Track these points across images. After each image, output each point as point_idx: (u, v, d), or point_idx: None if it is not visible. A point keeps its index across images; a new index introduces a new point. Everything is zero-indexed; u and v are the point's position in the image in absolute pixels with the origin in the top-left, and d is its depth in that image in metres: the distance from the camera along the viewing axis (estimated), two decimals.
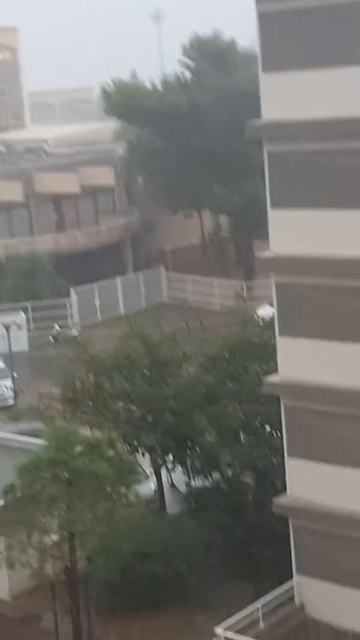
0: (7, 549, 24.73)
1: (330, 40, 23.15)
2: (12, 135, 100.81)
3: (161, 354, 31.89)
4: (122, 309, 61.06)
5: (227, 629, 25.32)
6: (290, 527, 26.68)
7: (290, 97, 23.96)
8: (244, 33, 55.97)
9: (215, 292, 62.49)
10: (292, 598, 26.69)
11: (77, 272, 61.42)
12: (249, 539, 28.59)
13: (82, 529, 24.79)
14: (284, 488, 26.57)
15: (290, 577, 26.76)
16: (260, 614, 25.99)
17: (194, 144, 63.00)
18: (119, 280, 62.91)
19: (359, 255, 23.63)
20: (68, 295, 60.13)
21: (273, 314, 26.72)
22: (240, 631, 25.28)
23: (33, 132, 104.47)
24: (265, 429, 30.59)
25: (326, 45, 23.20)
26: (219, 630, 25.32)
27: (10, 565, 24.86)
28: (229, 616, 25.74)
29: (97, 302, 61.35)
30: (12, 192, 63.75)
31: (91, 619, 26.38)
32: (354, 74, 22.86)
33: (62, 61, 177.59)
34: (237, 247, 68.61)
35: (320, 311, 24.72)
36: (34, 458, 24.65)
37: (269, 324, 32.25)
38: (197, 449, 30.53)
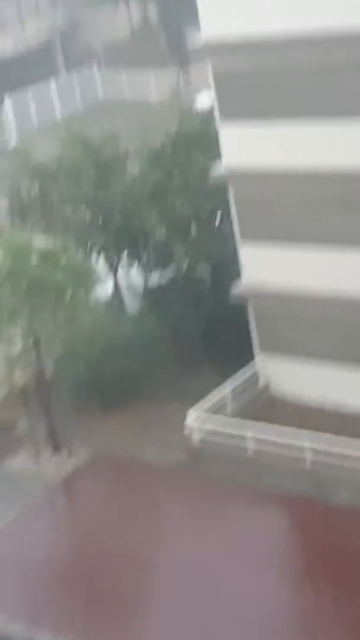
0: None
1: None
2: None
3: (104, 154, 31.61)
4: (59, 113, 59.77)
5: (196, 413, 26.35)
6: (250, 311, 27.43)
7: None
8: None
9: (151, 84, 61.17)
10: (256, 380, 27.73)
11: (8, 79, 59.65)
12: (209, 329, 29.25)
13: (46, 337, 25.29)
14: (238, 277, 27.15)
15: (252, 361, 27.72)
16: (227, 396, 27.03)
17: None
18: (52, 82, 61.24)
19: (292, 29, 23.17)
20: (2, 102, 58.57)
21: (211, 101, 26.47)
22: (208, 413, 26.32)
23: None
24: (214, 220, 30.81)
25: None
26: (190, 414, 26.33)
27: None
28: (197, 404, 26.72)
29: (32, 107, 59.86)
30: None
31: (64, 420, 27.23)
32: None
33: None
34: (168, 35, 66.60)
35: (258, 92, 24.46)
36: None
37: (208, 113, 31.94)
38: (150, 245, 30.78)
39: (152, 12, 68.65)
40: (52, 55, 66.39)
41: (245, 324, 27.86)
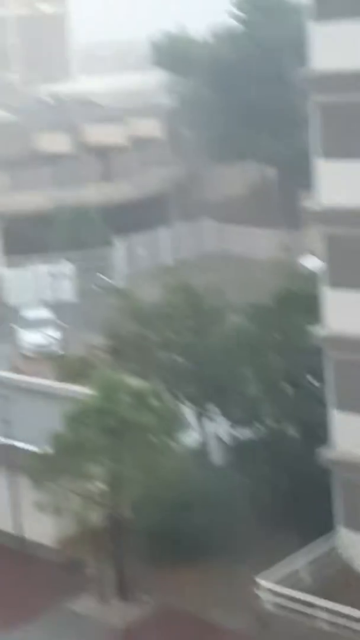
0: (52, 495, 25.09)
1: None
2: (61, 87, 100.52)
3: (206, 304, 31.95)
4: (167, 260, 61.06)
5: (268, 579, 25.55)
6: (335, 480, 26.76)
7: (340, 47, 23.66)
8: None
9: (261, 242, 62.19)
10: (335, 550, 26.85)
11: (123, 222, 61.38)
12: (293, 491, 28.67)
13: (126, 478, 25.07)
14: (328, 440, 26.65)
15: (334, 529, 26.91)
16: (302, 567, 26.18)
17: (242, 95, 62.46)
18: (164, 231, 62.84)
19: None
20: (114, 245, 60.23)
21: (318, 265, 26.64)
22: (281, 582, 25.49)
23: (82, 83, 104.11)
24: (308, 380, 30.57)
25: None
26: (260, 581, 25.55)
27: (57, 512, 25.23)
28: (271, 568, 25.97)
29: (142, 252, 61.37)
30: (59, 143, 63.77)
31: (133, 566, 26.73)
32: None
33: (112, 13, 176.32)
34: (283, 198, 68.08)
35: None
36: (82, 407, 24.91)
37: (313, 276, 32.14)
38: (241, 399, 30.63)
39: (270, 173, 70.44)
40: (166, 204, 68.21)
41: (329, 490, 27.20)
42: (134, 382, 28.14)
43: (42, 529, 28.64)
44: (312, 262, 43.41)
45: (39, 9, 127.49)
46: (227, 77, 62.51)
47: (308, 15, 24.23)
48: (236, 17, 66.01)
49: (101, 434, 24.42)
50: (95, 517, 26.25)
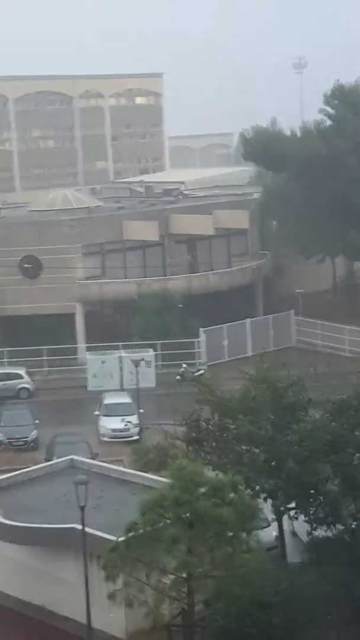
0: (125, 587, 24.73)
1: None
2: (152, 178, 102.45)
3: (287, 398, 31.61)
4: (249, 351, 60.93)
5: None
6: None
7: None
8: None
9: (345, 338, 61.80)
10: None
11: (207, 312, 61.64)
12: None
13: (200, 572, 24.61)
14: None
15: None
16: None
17: (330, 190, 62.79)
18: (248, 322, 62.87)
19: None
20: (197, 335, 60.37)
21: None
22: None
23: (172, 175, 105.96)
24: None
25: None
26: None
27: (129, 603, 24.82)
28: None
29: (225, 343, 61.39)
30: (148, 231, 64.64)
31: None
32: None
33: (203, 107, 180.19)
34: None
35: None
36: (158, 496, 24.64)
37: None
38: (320, 497, 30.05)
39: (358, 269, 70.31)
40: (252, 296, 68.38)
41: None
42: (212, 474, 27.82)
43: (113, 620, 28.20)
44: None
45: (134, 100, 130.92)
46: (315, 172, 62.97)
47: None
48: (326, 113, 66.78)
49: (177, 526, 24.09)
50: (168, 610, 25.76)
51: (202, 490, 24.35)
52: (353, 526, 29.84)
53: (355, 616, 27.62)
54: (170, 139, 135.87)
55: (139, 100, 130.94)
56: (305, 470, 29.67)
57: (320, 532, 31.09)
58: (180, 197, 77.33)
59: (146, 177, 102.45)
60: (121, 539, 25.12)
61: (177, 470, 25.26)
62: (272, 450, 30.49)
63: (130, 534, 24.83)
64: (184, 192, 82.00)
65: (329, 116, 66.67)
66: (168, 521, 24.34)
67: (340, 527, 30.32)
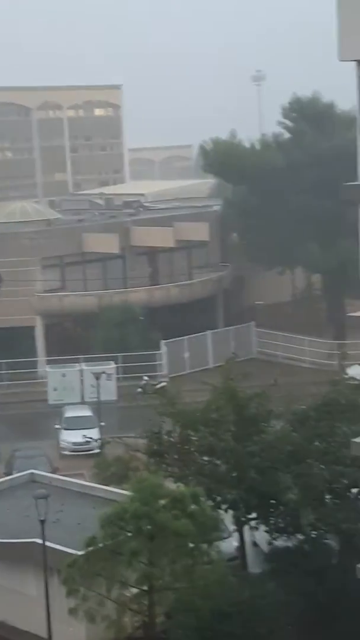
0: (84, 601, 24.64)
1: None
2: (111, 190, 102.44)
3: (249, 409, 31.73)
4: (211, 363, 61.06)
5: None
6: None
7: None
8: (343, 96, 56.15)
9: (305, 349, 62.14)
10: None
11: (168, 324, 61.74)
12: (330, 605, 27.98)
13: (161, 585, 24.61)
14: None
15: None
16: None
17: (289, 202, 63.17)
18: (209, 334, 63.02)
19: None
20: (158, 347, 60.42)
21: None
22: None
23: (132, 187, 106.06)
24: (350, 491, 30.10)
25: None
26: None
27: (90, 618, 24.73)
28: None
29: (186, 355, 61.49)
30: (108, 244, 64.61)
31: None
32: None
33: (162, 119, 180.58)
34: (329, 306, 68.22)
35: None
36: (118, 510, 24.61)
37: (357, 386, 31.92)
38: (281, 507, 30.18)
39: (317, 281, 70.67)
40: (213, 308, 68.54)
41: None
42: (173, 486, 27.84)
43: (74, 634, 28.10)
44: (357, 372, 43.19)
45: (93, 112, 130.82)
46: (274, 184, 63.29)
47: (357, 128, 24.54)
48: (284, 125, 67.21)
49: (137, 539, 24.07)
50: (130, 623, 25.71)
51: (163, 502, 24.37)
52: (313, 535, 29.99)
53: (315, 626, 27.71)
54: (130, 151, 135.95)
55: (97, 111, 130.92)
56: (266, 481, 29.81)
57: (280, 542, 31.23)
58: (141, 209, 77.41)
59: (106, 189, 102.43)
60: (80, 553, 25.06)
61: (138, 483, 25.27)
62: (233, 461, 30.60)
63: (89, 548, 24.77)
64: (145, 204, 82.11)
65: (287, 128, 67.11)
66: (129, 534, 24.31)
67: (300, 537, 30.47)
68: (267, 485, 29.74)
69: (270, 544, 31.42)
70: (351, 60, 24.05)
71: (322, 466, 29.68)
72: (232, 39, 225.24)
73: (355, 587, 26.87)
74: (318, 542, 30.03)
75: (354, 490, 29.92)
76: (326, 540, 30.43)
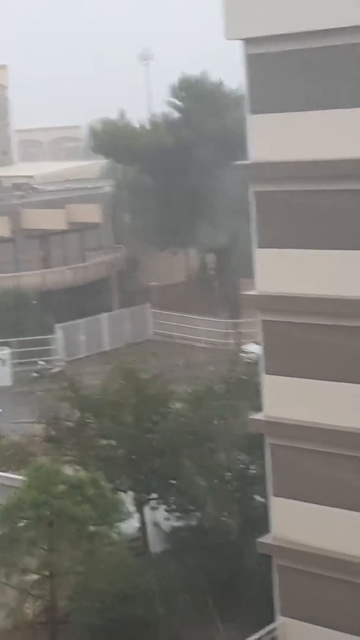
0: None
1: (315, 83, 23.34)
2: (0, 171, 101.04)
3: (149, 391, 31.74)
4: (107, 346, 60.95)
5: None
6: (273, 568, 26.50)
7: (276, 138, 24.10)
8: (232, 75, 56.49)
9: (201, 329, 62.49)
10: None
11: (62, 307, 61.33)
12: (232, 580, 28.32)
13: (62, 569, 24.55)
14: (267, 528, 26.45)
15: (274, 618, 26.55)
16: None
17: (181, 182, 63.29)
18: (104, 316, 62.87)
19: (342, 294, 23.72)
20: (53, 331, 60.02)
21: (258, 353, 26.71)
22: None
23: (21, 168, 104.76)
24: (249, 468, 30.42)
25: (311, 88, 23.39)
26: None
27: None
28: None
29: (82, 338, 61.23)
30: None
31: None
32: (337, 117, 23.07)
33: (51, 99, 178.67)
34: (223, 285, 68.71)
35: (304, 350, 24.73)
36: (15, 499, 24.41)
37: (254, 362, 32.18)
38: (180, 487, 30.33)
39: (210, 261, 71.11)
40: (107, 290, 68.38)
41: (270, 578, 26.89)
42: (71, 471, 27.74)
43: None
44: (254, 349, 43.60)
45: None
46: (165, 164, 63.33)
47: (245, 107, 24.70)
48: (173, 105, 67.27)
49: (36, 526, 23.95)
50: (31, 609, 25.59)
51: (61, 488, 24.27)
52: (212, 514, 30.23)
53: (218, 602, 27.99)
54: (18, 132, 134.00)
55: None
56: (165, 462, 29.91)
57: (181, 522, 31.41)
58: (31, 191, 76.61)
59: None
60: None
61: (34, 471, 25.12)
62: (132, 444, 30.61)
63: None
64: (35, 186, 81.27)
65: (176, 108, 67.16)
66: (27, 522, 24.15)
67: (200, 516, 30.69)
68: (166, 466, 29.86)
69: (171, 525, 31.53)
70: (237, 39, 24.12)
71: (222, 445, 29.86)
72: (120, 15, 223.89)
73: (254, 561, 27.22)
74: (219, 521, 30.26)
75: (255, 468, 30.24)
76: (225, 518, 30.69)
